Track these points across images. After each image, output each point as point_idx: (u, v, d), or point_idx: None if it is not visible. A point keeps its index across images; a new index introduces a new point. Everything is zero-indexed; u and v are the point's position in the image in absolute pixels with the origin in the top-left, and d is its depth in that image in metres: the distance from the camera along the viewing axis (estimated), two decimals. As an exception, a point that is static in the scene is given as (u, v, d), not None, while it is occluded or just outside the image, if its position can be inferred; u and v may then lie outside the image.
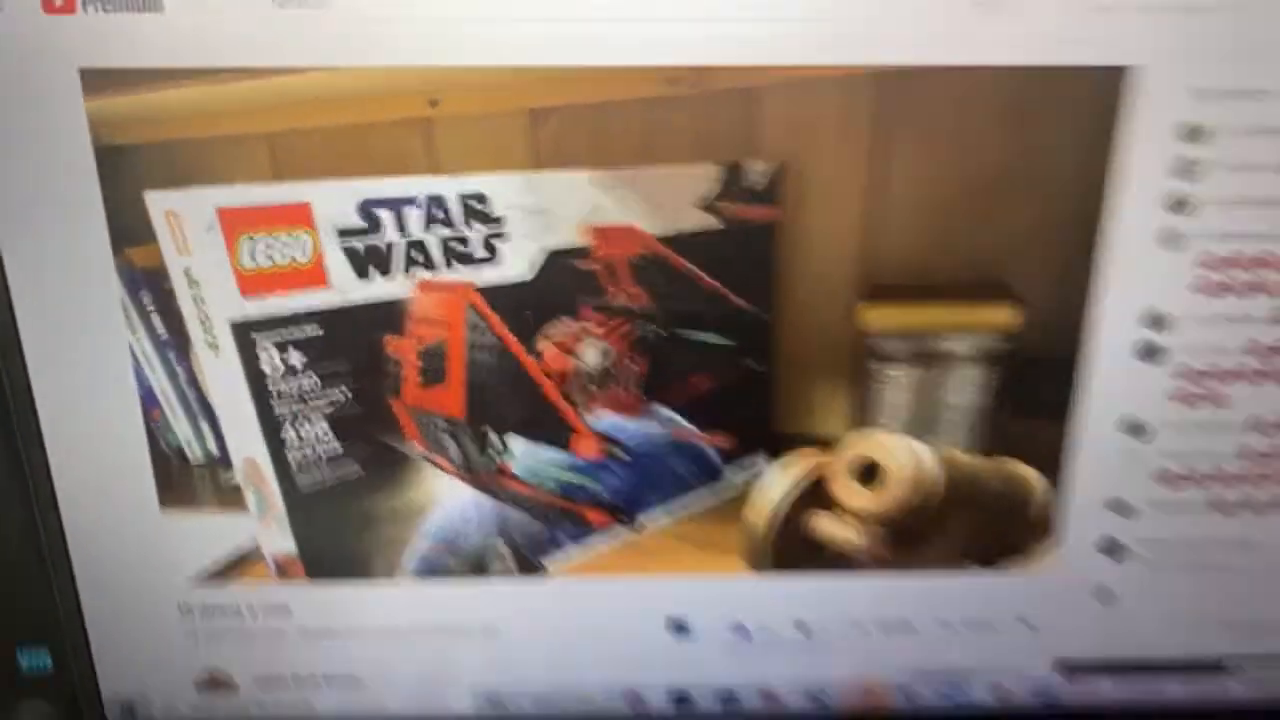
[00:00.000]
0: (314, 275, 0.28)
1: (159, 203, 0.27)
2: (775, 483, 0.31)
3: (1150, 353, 0.28)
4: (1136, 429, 0.29)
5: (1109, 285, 0.28)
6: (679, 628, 0.32)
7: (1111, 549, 0.32)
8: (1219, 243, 0.27)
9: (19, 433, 0.29)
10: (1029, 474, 0.31)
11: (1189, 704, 0.34)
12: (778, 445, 0.31)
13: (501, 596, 0.32)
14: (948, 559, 0.32)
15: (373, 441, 0.30)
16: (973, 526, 0.32)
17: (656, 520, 0.32)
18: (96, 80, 0.26)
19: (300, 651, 0.32)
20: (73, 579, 0.31)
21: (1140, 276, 0.28)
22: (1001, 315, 0.29)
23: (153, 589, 0.31)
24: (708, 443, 0.31)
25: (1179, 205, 0.27)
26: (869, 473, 0.31)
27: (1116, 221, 0.27)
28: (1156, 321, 0.28)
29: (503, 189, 0.27)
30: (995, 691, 0.34)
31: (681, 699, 0.33)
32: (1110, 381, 0.29)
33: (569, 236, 0.28)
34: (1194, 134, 0.27)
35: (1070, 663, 0.33)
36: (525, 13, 0.25)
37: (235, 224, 0.27)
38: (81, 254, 0.27)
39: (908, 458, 0.30)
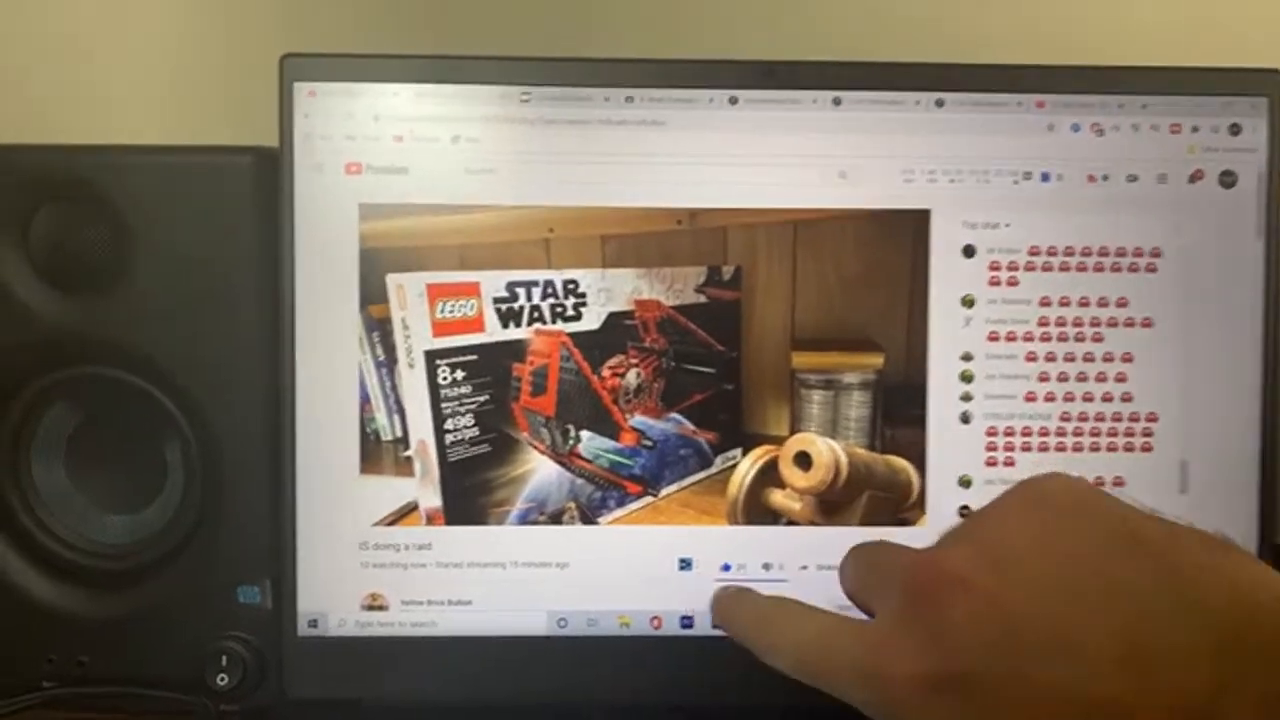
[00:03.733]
0: (477, 324, 0.48)
1: (394, 280, 0.47)
2: (744, 467, 0.49)
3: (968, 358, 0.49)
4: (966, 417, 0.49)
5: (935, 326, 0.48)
6: (684, 564, 0.49)
7: (964, 514, 0.49)
8: (992, 271, 0.49)
9: (285, 419, 0.47)
10: (906, 464, 0.50)
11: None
12: (747, 441, 0.49)
13: (570, 540, 0.49)
14: (856, 520, 0.49)
15: (498, 430, 0.48)
16: (872, 499, 0.50)
17: (670, 491, 0.50)
18: (366, 210, 0.48)
19: (434, 579, 0.48)
20: (294, 526, 0.48)
21: (952, 327, 0.48)
22: (874, 359, 0.49)
23: (345, 531, 0.48)
24: (702, 438, 0.49)
25: (968, 252, 0.49)
26: (803, 460, 0.49)
27: (934, 285, 0.48)
28: (967, 363, 0.49)
29: (586, 278, 0.48)
30: (899, 624, 0.50)
31: (687, 622, 0.49)
32: (944, 389, 0.49)
33: (622, 305, 0.48)
34: (968, 250, 0.49)
35: (946, 601, 0.50)
36: (603, 178, 0.48)
37: (436, 293, 0.48)
38: (342, 306, 0.48)
39: (828, 450, 0.49)
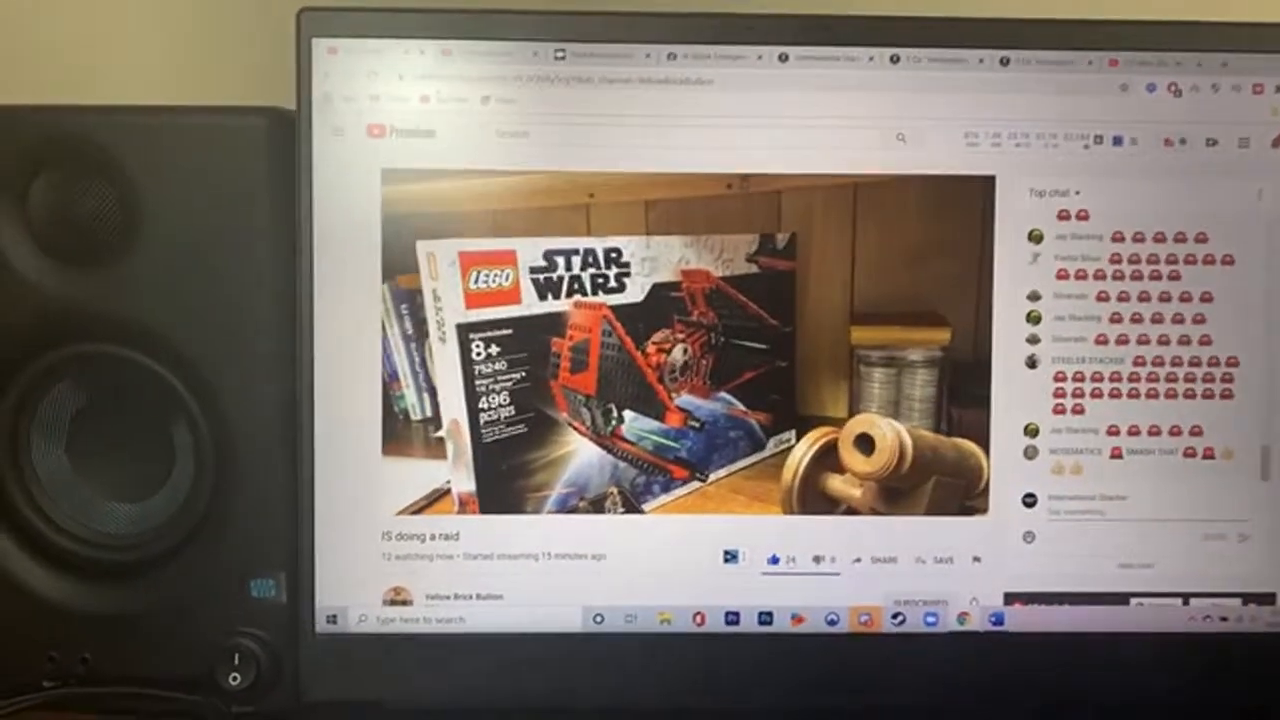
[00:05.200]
0: (512, 295, 0.44)
1: (424, 247, 0.44)
2: (800, 450, 0.46)
3: (1035, 319, 0.45)
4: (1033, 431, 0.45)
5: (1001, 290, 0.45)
6: (729, 556, 0.46)
7: (1028, 501, 0.46)
8: (1060, 246, 0.45)
9: (302, 399, 0.44)
10: (975, 448, 0.46)
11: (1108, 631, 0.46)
12: (802, 423, 0.46)
13: (611, 529, 0.45)
14: (921, 509, 0.46)
15: (535, 409, 0.45)
16: (939, 485, 0.46)
17: (720, 475, 0.46)
18: (390, 176, 0.44)
19: (462, 572, 0.45)
20: (312, 515, 0.45)
21: (1019, 287, 0.45)
22: (941, 334, 0.46)
23: (366, 519, 0.45)
24: (753, 419, 0.46)
25: (1035, 239, 0.45)
26: (864, 443, 0.46)
27: (1000, 256, 0.45)
28: (1034, 296, 0.46)
29: (629, 246, 0.45)
30: (961, 619, 0.46)
31: (733, 618, 0.46)
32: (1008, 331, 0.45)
33: (668, 276, 0.45)
34: (1032, 219, 0.45)
35: (1012, 594, 0.46)
36: (645, 141, 0.44)
37: (469, 262, 0.44)
38: (364, 278, 0.44)
39: (892, 432, 0.46)
